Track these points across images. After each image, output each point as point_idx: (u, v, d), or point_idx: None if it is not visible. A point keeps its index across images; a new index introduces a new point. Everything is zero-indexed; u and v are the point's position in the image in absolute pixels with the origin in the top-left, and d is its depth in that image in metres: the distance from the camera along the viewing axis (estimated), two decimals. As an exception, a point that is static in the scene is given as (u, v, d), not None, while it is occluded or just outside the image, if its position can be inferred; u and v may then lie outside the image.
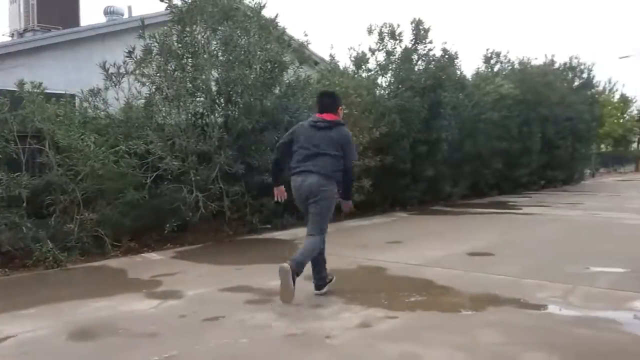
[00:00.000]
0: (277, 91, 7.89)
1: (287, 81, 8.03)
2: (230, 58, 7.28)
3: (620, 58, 37.33)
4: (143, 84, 7.20)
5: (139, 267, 5.80)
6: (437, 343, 3.23)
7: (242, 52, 7.28)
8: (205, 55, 7.12)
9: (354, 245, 6.86)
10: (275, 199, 4.84)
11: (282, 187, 4.75)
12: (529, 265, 5.52)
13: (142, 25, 7.25)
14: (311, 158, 4.40)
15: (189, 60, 7.30)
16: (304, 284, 4.82)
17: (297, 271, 4.17)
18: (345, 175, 4.50)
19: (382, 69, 11.06)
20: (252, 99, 7.28)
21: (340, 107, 4.78)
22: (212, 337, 3.45)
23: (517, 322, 3.66)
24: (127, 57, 7.15)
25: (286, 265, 4.15)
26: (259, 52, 7.41)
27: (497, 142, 13.61)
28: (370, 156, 9.27)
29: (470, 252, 6.23)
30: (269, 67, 7.59)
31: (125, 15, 12.44)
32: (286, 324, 3.69)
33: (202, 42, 7.24)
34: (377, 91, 10.80)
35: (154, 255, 6.46)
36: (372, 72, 11.04)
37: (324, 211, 4.46)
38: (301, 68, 8.38)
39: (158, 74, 7.10)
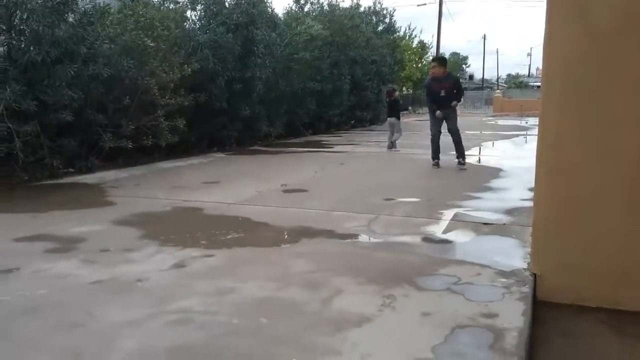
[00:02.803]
0: (71, 19, 7.02)
1: (83, 8, 7.18)
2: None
3: (418, 5, 40.67)
4: None
5: None
6: (252, 276, 3.27)
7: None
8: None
9: (169, 186, 6.61)
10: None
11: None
12: (339, 198, 5.85)
13: None
14: None
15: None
16: (115, 229, 4.54)
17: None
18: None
19: (192, 2, 10.53)
20: (40, 27, 6.39)
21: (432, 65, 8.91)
22: (4, 290, 3.07)
23: (327, 251, 3.87)
24: None
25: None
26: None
27: (310, 82, 14.02)
28: (182, 94, 8.89)
29: (285, 189, 6.41)
30: (59, -10, 6.70)
31: None
32: (92, 271, 3.43)
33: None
34: (187, 25, 10.29)
35: None
36: (181, 5, 10.45)
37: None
38: (99, -6, 7.57)
39: None
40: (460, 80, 9.29)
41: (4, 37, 6.52)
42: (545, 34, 3.01)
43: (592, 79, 2.93)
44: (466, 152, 8.46)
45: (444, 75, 8.34)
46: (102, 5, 7.46)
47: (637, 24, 2.83)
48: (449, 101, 8.25)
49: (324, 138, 14.59)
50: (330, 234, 4.34)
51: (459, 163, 8.27)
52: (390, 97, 11.74)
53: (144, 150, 8.80)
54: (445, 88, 8.19)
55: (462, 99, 9.25)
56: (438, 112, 8.22)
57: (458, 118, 8.54)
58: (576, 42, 2.92)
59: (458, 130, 8.34)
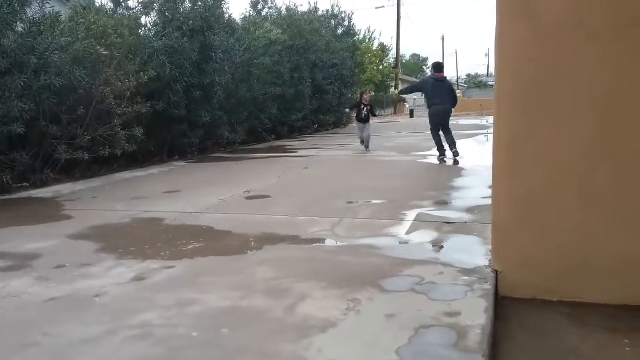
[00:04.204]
0: (20, 29, 6.80)
1: (32, 18, 6.97)
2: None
3: (377, 8, 41.16)
4: None
5: None
6: (214, 286, 3.21)
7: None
8: None
9: (128, 197, 6.46)
10: None
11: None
12: (302, 203, 5.82)
13: None
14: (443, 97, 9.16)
15: None
16: (71, 244, 4.39)
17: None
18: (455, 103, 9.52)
19: (145, 7, 10.33)
20: (-13, 38, 6.18)
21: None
22: (-48, 314, 2.93)
23: (291, 257, 3.83)
24: None
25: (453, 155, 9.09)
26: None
27: (271, 87, 13.95)
28: (140, 102, 8.71)
29: (248, 196, 6.33)
30: (6, 0, 6.47)
31: None
32: (47, 288, 3.30)
33: None
34: (142, 32, 10.09)
35: None
36: (134, 11, 10.25)
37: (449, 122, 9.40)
38: (48, 3, 7.34)
39: None
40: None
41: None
42: (495, 33, 3.06)
43: (541, 77, 2.99)
44: (428, 153, 8.68)
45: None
46: (52, 13, 7.26)
47: (580, 22, 2.90)
48: None
49: (287, 143, 14.54)
50: (294, 239, 4.30)
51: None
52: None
53: (102, 162, 8.59)
54: None
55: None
56: None
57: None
58: (525, 40, 2.98)
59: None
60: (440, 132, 9.38)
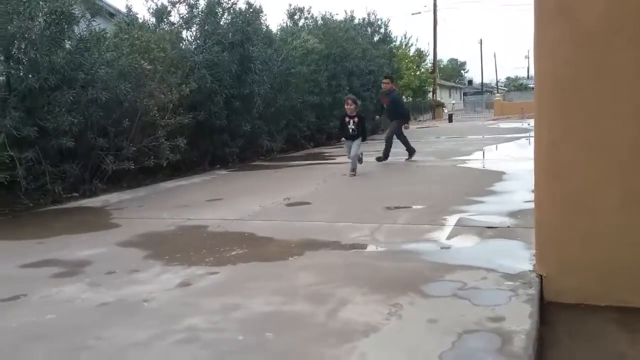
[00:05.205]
0: (68, 46, 7.12)
1: (79, 35, 7.29)
2: (9, 10, 6.33)
3: (413, 14, 41.09)
4: None
5: None
6: (257, 291, 3.27)
7: (22, 2, 6.38)
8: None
9: (173, 206, 6.63)
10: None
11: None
12: (342, 209, 5.85)
13: None
14: None
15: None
16: (120, 251, 4.55)
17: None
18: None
19: (186, 22, 10.62)
20: (38, 55, 6.47)
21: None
22: (13, 317, 3.08)
23: (331, 263, 3.86)
24: None
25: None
26: (41, 3, 6.56)
27: (308, 95, 14.09)
28: (182, 113, 8.95)
29: (288, 203, 6.40)
30: (55, 19, 6.78)
31: None
32: (99, 294, 3.43)
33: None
34: (183, 46, 10.38)
35: None
36: (176, 26, 10.54)
37: None
38: (94, 21, 7.66)
39: None
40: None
41: (2, 67, 6.60)
42: (534, 36, 3.03)
43: (582, 80, 2.94)
44: (468, 157, 8.56)
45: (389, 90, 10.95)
46: (98, 30, 7.57)
47: (620, 24, 2.85)
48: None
49: (325, 150, 14.61)
50: (334, 245, 4.33)
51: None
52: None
53: (147, 172, 8.86)
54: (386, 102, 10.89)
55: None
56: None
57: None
58: (563, 43, 2.94)
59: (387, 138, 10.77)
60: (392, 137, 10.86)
